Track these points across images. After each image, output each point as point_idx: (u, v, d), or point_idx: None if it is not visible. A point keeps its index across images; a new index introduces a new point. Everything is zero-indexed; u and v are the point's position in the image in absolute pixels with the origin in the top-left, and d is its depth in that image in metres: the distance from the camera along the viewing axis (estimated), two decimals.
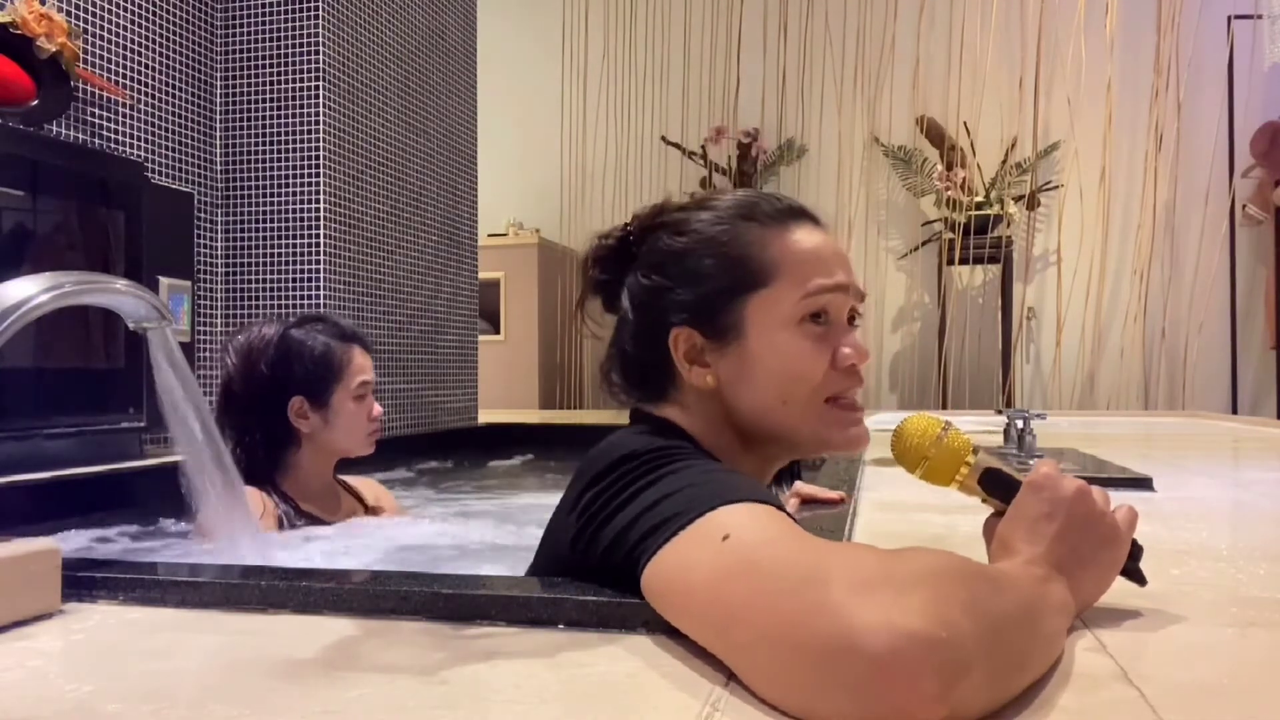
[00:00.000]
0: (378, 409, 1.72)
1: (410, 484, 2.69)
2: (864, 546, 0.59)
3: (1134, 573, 0.75)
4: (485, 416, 3.91)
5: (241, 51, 2.84)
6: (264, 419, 1.63)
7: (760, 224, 0.87)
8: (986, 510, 0.79)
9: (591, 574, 0.74)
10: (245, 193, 2.84)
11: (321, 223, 2.79)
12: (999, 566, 0.69)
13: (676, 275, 0.87)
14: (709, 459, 0.80)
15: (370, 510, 1.81)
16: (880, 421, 0.95)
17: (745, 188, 0.96)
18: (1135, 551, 0.75)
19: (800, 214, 0.90)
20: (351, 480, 1.84)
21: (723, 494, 0.67)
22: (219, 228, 2.84)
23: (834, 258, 0.88)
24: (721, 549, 0.61)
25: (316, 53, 2.78)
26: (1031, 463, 1.72)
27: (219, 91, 2.84)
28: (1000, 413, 1.79)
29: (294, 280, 2.81)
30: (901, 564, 0.56)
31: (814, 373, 0.84)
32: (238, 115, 2.84)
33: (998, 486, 0.76)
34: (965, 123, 5.04)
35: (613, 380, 0.93)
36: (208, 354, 2.73)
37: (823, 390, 0.85)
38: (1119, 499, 0.75)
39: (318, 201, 2.78)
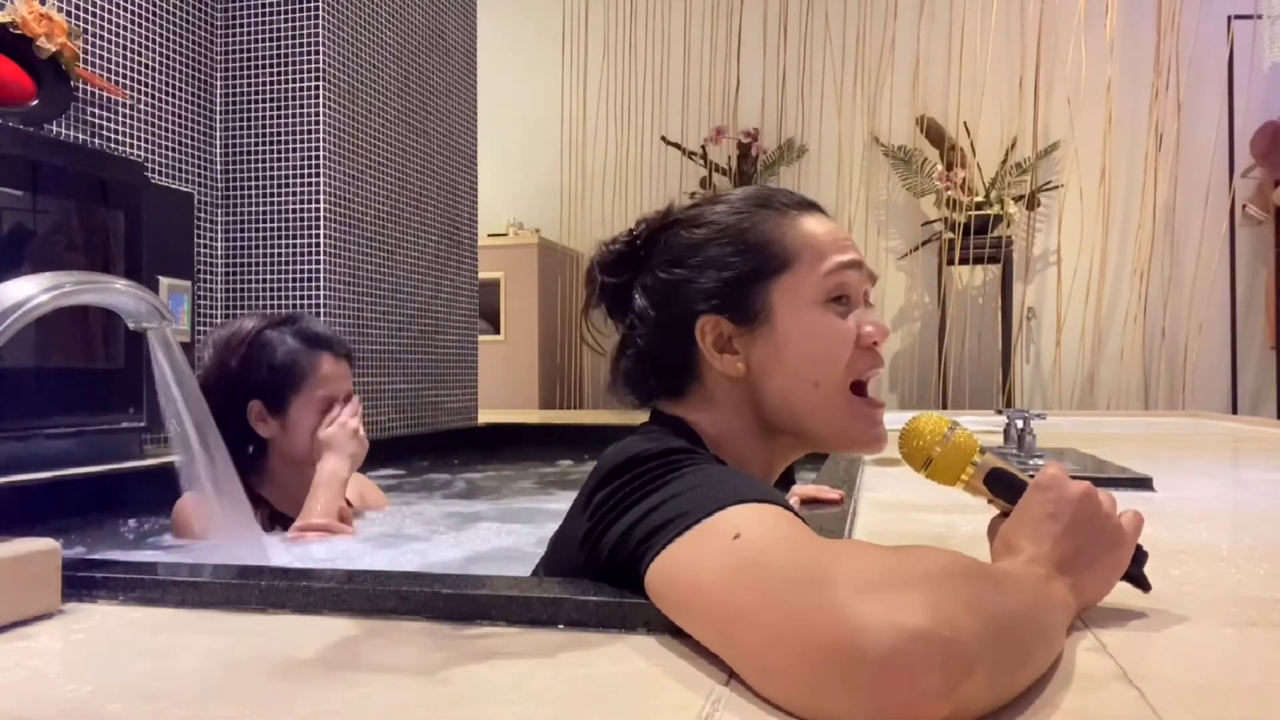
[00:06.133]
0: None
1: (407, 482, 2.68)
2: (871, 545, 0.59)
3: (1138, 578, 0.75)
4: (485, 416, 3.91)
5: (241, 51, 2.84)
6: (229, 417, 1.51)
7: (777, 211, 0.90)
8: (988, 511, 0.79)
9: (601, 573, 0.74)
10: (245, 193, 2.83)
11: (321, 223, 2.79)
12: (1001, 565, 0.69)
13: (698, 265, 0.89)
14: (719, 463, 0.80)
15: (353, 508, 1.73)
16: None
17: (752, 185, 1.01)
18: (1140, 557, 0.75)
19: (811, 205, 0.93)
20: None
21: (732, 494, 0.67)
22: (219, 228, 2.84)
23: (847, 241, 0.91)
24: (731, 548, 0.61)
25: (316, 53, 2.78)
26: (1032, 463, 1.72)
27: (219, 91, 2.84)
28: (1000, 413, 1.79)
29: (294, 280, 2.80)
30: (906, 563, 0.56)
31: (843, 351, 0.86)
32: (238, 115, 2.84)
33: (1003, 487, 0.76)
34: (965, 123, 5.04)
35: (623, 384, 0.94)
36: None
37: (850, 371, 0.87)
38: (1119, 499, 0.75)
39: (318, 201, 2.78)
